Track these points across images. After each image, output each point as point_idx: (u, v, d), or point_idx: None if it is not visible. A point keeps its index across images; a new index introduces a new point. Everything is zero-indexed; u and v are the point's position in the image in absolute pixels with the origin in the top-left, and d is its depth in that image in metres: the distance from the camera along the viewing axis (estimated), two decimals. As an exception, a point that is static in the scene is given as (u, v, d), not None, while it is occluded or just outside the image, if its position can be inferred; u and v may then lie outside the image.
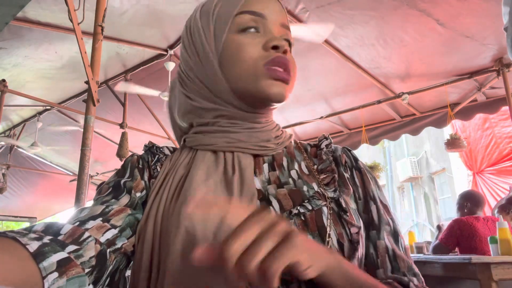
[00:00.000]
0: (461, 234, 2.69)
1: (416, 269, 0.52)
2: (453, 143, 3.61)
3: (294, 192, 0.51)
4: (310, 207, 0.48)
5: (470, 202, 2.91)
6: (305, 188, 0.51)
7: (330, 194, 0.51)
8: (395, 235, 0.54)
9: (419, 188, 11.46)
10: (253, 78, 0.53)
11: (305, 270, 0.34)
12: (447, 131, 5.28)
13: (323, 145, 0.60)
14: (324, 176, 0.55)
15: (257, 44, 0.54)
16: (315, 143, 0.62)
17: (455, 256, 2.44)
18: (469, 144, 5.13)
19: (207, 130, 0.56)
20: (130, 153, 4.01)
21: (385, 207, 0.55)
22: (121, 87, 3.67)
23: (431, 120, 4.02)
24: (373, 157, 11.00)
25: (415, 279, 0.50)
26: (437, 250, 2.80)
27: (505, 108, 3.43)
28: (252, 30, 0.55)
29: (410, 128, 4.15)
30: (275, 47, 0.53)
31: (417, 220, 11.22)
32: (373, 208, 0.54)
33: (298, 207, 0.48)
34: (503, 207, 2.91)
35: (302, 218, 0.48)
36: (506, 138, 5.08)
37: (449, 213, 9.92)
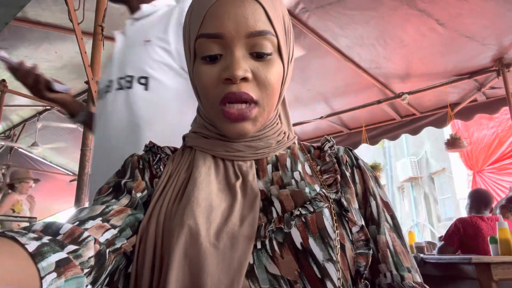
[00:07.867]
0: (464, 233, 2.66)
1: (416, 266, 0.53)
2: (453, 143, 3.61)
3: (296, 193, 0.51)
4: (311, 209, 0.49)
5: (477, 200, 2.87)
6: (307, 189, 0.51)
7: (332, 195, 0.52)
8: (397, 231, 0.55)
9: (419, 188, 11.45)
10: (214, 117, 0.53)
11: None
12: (447, 131, 5.27)
13: (326, 147, 0.60)
14: (327, 176, 0.55)
15: (215, 75, 0.51)
16: (318, 145, 0.62)
17: (455, 256, 2.43)
18: (470, 144, 5.13)
19: (206, 134, 0.57)
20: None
21: (386, 204, 0.56)
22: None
23: (431, 120, 4.02)
24: (373, 157, 10.96)
25: (417, 276, 0.51)
26: (442, 250, 2.77)
27: (505, 108, 3.43)
28: (211, 57, 0.51)
29: (410, 128, 4.15)
30: (228, 79, 0.49)
31: (417, 220, 11.21)
32: (373, 203, 0.55)
33: (300, 209, 0.48)
34: (504, 207, 2.90)
35: (303, 219, 0.48)
36: (510, 136, 5.07)
37: (449, 213, 9.92)
